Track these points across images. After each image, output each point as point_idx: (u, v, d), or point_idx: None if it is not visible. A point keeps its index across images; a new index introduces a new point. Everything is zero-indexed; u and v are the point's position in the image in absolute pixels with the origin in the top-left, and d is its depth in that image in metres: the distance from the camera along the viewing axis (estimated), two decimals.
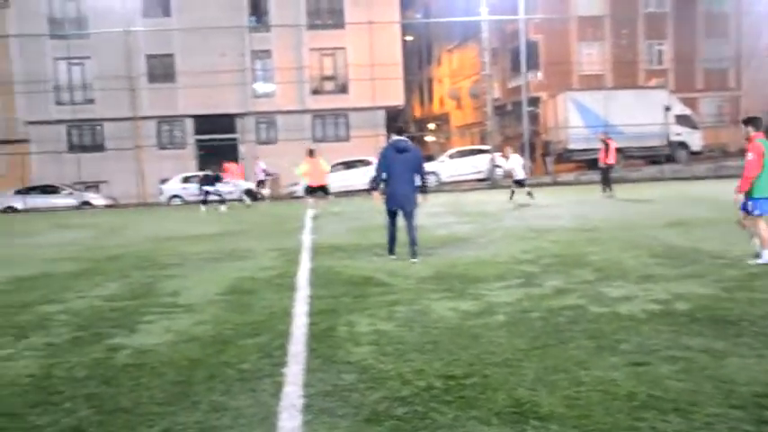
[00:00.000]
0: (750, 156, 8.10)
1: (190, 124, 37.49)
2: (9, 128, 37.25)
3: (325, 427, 3.81)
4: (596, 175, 24.00)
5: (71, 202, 32.52)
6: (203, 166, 35.27)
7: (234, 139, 37.17)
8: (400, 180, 9.73)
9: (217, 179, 24.53)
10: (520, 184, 20.48)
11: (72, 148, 36.87)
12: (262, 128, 37.79)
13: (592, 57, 39.25)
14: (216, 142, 36.29)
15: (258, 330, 5.96)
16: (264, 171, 29.64)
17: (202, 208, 23.05)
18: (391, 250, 9.94)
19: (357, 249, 11.14)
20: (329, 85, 38.49)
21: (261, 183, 28.45)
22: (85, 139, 37.64)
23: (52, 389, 4.64)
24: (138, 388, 4.57)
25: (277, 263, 10.12)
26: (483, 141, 36.65)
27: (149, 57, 36.72)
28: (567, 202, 19.54)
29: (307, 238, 13.14)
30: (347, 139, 37.51)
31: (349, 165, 31.66)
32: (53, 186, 33.66)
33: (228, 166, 26.75)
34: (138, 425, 3.95)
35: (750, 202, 8.18)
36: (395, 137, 10.18)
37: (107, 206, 32.45)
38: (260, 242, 12.85)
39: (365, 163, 30.75)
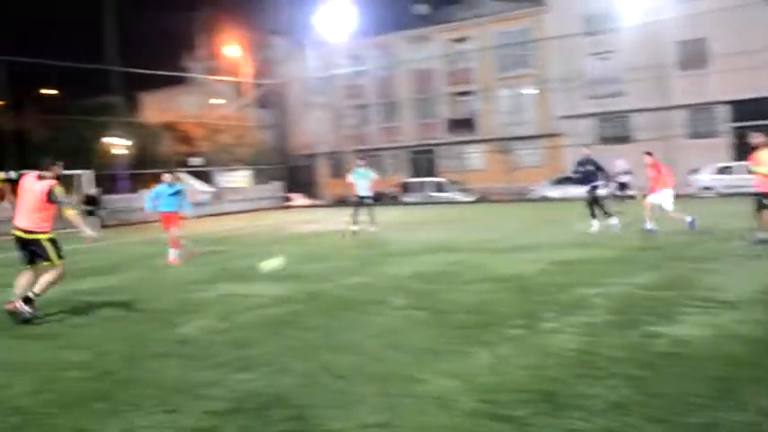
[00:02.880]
0: None
1: (724, 111, 35.30)
2: (544, 123, 40.64)
3: None
4: None
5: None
6: (739, 157, 32.82)
7: None
8: None
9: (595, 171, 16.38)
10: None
11: (604, 140, 38.03)
12: None
13: None
14: (753, 129, 33.47)
15: None
16: (625, 171, 23.40)
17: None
18: None
19: None
20: None
21: (623, 185, 22.62)
22: (609, 131, 38.56)
23: (593, 364, 4.92)
24: (676, 377, 4.54)
25: None
26: None
27: (680, 43, 35.73)
28: None
29: None
30: None
31: None
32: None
33: None
34: (676, 412, 3.94)
35: None
36: None
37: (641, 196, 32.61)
38: None
39: None
